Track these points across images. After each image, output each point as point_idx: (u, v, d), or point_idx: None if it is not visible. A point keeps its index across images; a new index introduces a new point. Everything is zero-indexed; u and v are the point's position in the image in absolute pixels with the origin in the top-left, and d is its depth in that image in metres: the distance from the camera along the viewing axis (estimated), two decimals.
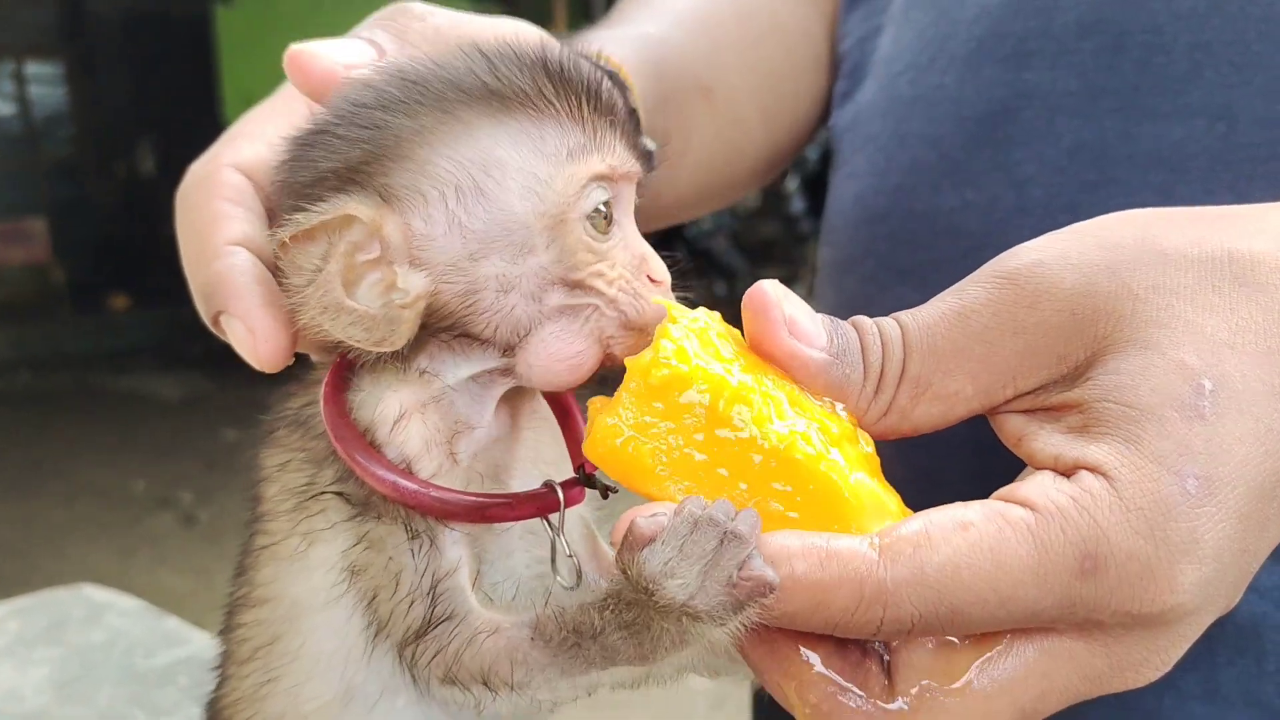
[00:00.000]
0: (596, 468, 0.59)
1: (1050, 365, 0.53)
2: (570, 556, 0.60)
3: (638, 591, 0.50)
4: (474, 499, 0.57)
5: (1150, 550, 0.48)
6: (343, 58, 0.61)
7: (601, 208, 0.57)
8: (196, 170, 0.63)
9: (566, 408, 0.64)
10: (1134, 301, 0.51)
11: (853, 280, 0.84)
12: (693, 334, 0.53)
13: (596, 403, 0.55)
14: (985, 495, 0.59)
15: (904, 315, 0.55)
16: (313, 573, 0.58)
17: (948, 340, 0.53)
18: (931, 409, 0.54)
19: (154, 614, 1.32)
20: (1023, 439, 0.54)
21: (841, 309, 0.89)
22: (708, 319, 0.55)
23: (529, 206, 0.55)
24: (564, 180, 0.56)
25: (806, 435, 0.51)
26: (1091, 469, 0.49)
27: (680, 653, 0.52)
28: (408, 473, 0.56)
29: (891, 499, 0.53)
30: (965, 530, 0.49)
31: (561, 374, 0.57)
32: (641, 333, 0.57)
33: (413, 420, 0.57)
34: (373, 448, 0.56)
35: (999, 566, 0.48)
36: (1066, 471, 0.50)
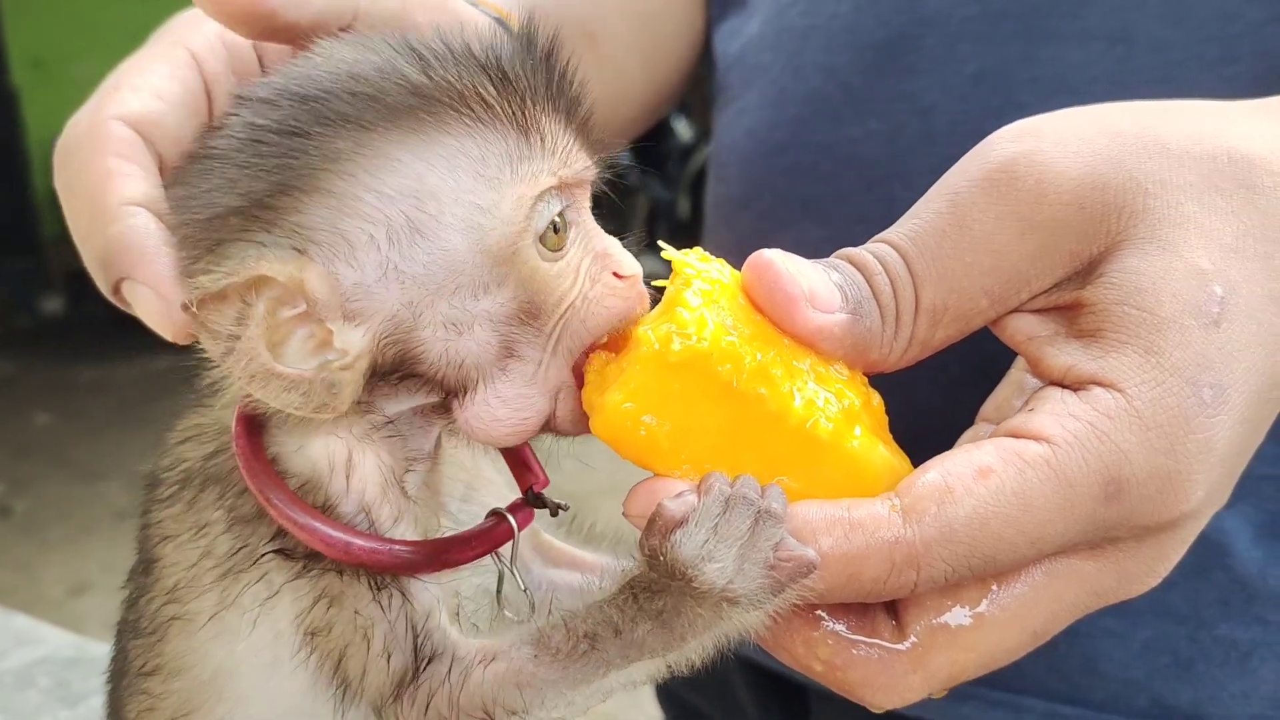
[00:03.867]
0: (544, 487, 0.57)
1: (1064, 264, 0.51)
2: (525, 590, 0.56)
3: (671, 577, 0.47)
4: (433, 545, 0.52)
5: (1171, 465, 0.48)
6: None
7: (556, 220, 0.51)
8: (78, 125, 0.57)
9: None
10: (1144, 197, 0.50)
11: (749, 216, 0.83)
12: (707, 298, 0.49)
13: (596, 364, 0.51)
14: (957, 402, 0.58)
15: (898, 238, 0.52)
16: (245, 641, 0.53)
17: (953, 258, 0.51)
18: (949, 330, 0.52)
19: (0, 613, 1.22)
20: (1032, 340, 0.52)
21: (738, 246, 0.88)
22: (719, 273, 0.51)
23: (472, 242, 0.49)
24: (510, 204, 0.49)
25: (827, 411, 0.49)
26: (1107, 385, 0.48)
27: (709, 638, 0.49)
28: (359, 531, 0.51)
29: (903, 463, 0.52)
30: (986, 478, 0.47)
31: (502, 437, 0.52)
32: (609, 346, 0.53)
33: (365, 459, 0.52)
34: (310, 505, 0.51)
35: (1026, 510, 0.47)
36: (1077, 385, 0.50)
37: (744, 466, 0.49)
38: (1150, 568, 0.52)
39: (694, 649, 0.49)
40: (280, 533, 0.52)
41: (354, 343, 0.49)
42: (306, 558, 0.51)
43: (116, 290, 0.54)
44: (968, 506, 0.47)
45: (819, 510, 0.48)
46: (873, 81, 0.76)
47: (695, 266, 0.51)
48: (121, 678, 0.58)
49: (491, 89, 0.50)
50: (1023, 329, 0.53)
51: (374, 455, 0.52)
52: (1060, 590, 0.51)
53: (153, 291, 0.52)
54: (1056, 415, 0.48)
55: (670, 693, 1.04)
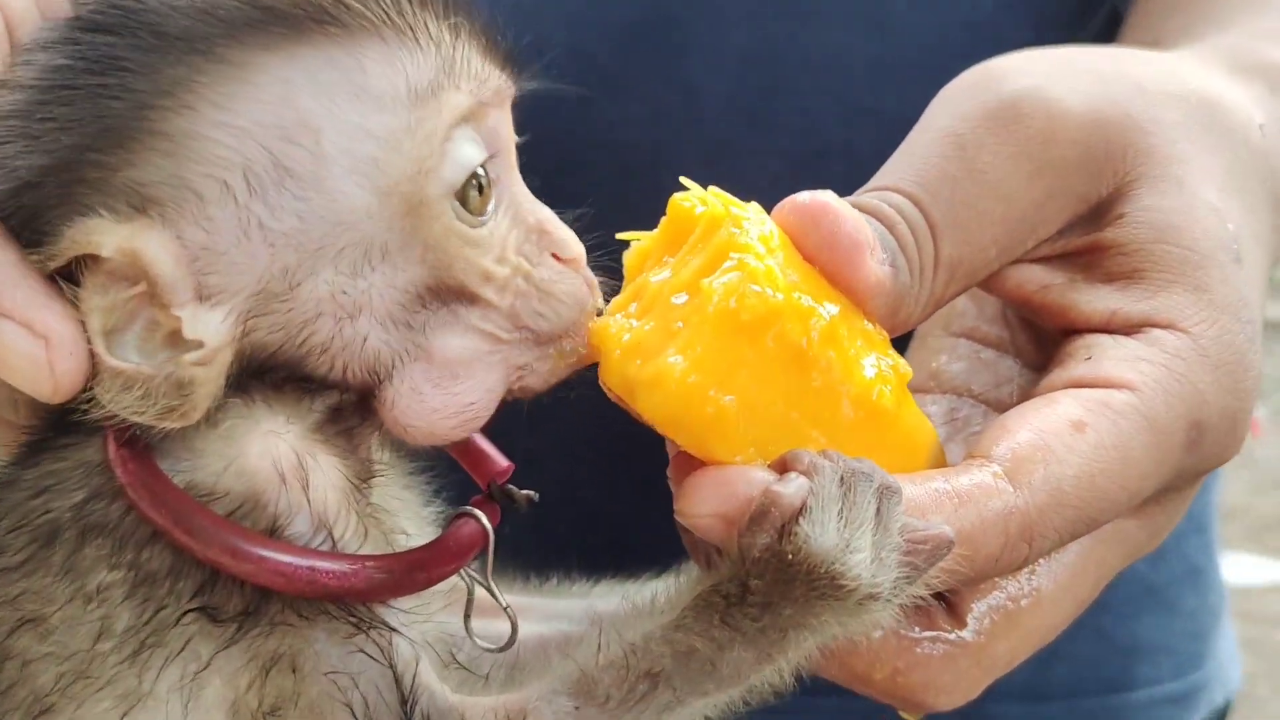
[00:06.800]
0: (508, 476, 0.47)
1: (1070, 208, 0.48)
2: (506, 608, 0.46)
3: (800, 579, 0.38)
4: (407, 559, 0.42)
5: (1235, 404, 0.46)
6: None
7: (479, 172, 0.41)
8: None
9: None
10: (1143, 135, 0.48)
11: None
12: (766, 245, 0.42)
13: (616, 326, 0.42)
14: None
15: (908, 185, 0.46)
16: None
17: (967, 206, 0.46)
18: (958, 286, 0.47)
19: None
20: (1048, 289, 0.48)
21: None
22: (758, 215, 0.44)
23: (366, 185, 0.39)
24: (416, 137, 0.39)
25: (886, 377, 0.43)
26: (1164, 325, 0.45)
27: (806, 652, 0.41)
28: (322, 552, 0.39)
29: (928, 424, 0.47)
30: (1082, 432, 0.43)
31: (447, 431, 0.42)
32: (560, 346, 0.43)
33: (320, 463, 0.41)
34: (247, 529, 0.39)
35: (1127, 463, 0.43)
36: (1128, 329, 0.46)
37: (809, 444, 0.42)
38: (1171, 519, 0.50)
39: (784, 669, 0.41)
40: (205, 585, 0.39)
41: (210, 330, 0.38)
42: (242, 614, 0.39)
43: None
44: (1074, 465, 0.43)
45: (917, 486, 0.42)
46: (628, 63, 0.70)
47: (741, 207, 0.44)
48: None
49: None
50: (1032, 279, 0.49)
51: (328, 458, 0.41)
52: (1105, 554, 0.48)
53: (24, 328, 0.37)
54: (1127, 360, 0.45)
55: None
